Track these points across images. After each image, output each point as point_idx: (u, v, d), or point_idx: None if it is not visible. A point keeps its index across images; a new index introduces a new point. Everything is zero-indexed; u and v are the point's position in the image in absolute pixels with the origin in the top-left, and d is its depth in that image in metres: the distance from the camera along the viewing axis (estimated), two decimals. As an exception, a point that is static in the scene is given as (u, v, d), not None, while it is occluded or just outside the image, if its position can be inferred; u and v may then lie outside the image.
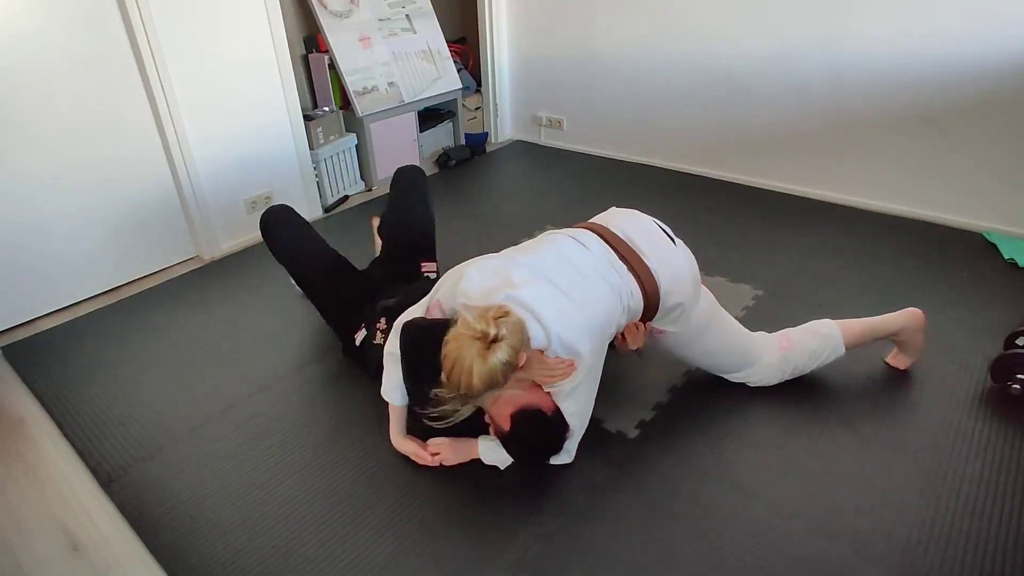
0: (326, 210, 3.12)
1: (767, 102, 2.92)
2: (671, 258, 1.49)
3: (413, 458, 1.56)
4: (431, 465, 1.54)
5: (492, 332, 1.19)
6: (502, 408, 1.35)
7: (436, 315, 1.42)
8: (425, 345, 1.32)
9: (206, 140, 2.57)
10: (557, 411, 1.38)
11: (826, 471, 1.48)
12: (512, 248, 1.52)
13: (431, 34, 3.54)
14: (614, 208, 1.64)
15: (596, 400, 1.45)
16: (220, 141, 2.63)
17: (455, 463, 1.54)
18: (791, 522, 1.36)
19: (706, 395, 1.75)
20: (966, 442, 1.54)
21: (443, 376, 1.25)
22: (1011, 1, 2.22)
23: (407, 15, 3.44)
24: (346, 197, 3.26)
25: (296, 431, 1.70)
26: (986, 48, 2.32)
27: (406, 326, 1.44)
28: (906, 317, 1.70)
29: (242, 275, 2.55)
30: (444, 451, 1.54)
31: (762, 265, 2.38)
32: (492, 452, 1.51)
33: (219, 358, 2.03)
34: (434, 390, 1.28)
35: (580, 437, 1.48)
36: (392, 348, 1.48)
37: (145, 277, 2.59)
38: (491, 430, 1.46)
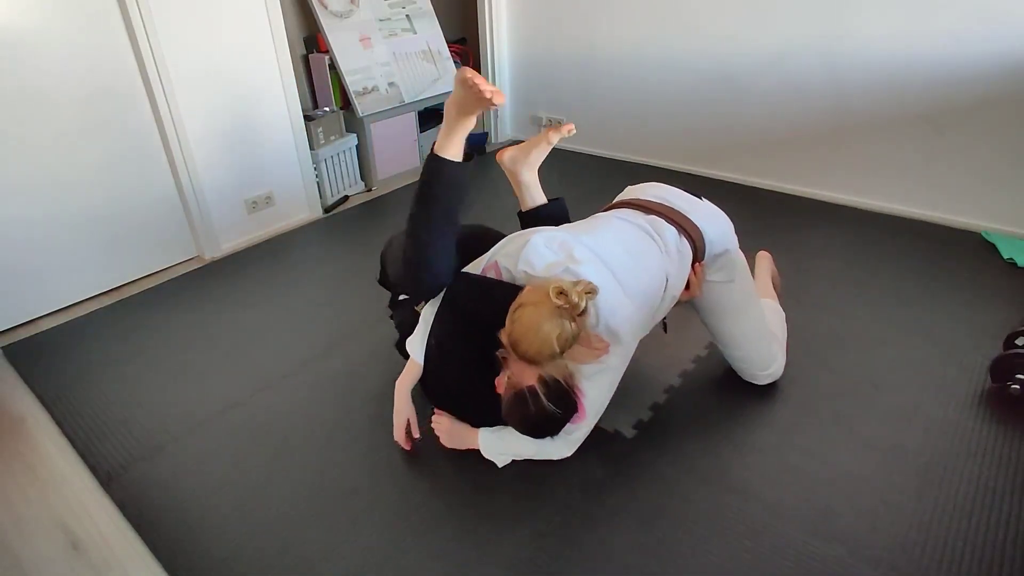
0: (326, 210, 3.13)
1: (766, 102, 2.92)
2: (704, 207, 1.60)
3: (394, 427, 1.59)
4: (404, 447, 1.58)
5: (581, 306, 1.20)
6: (524, 371, 1.29)
7: (491, 275, 1.43)
8: (485, 302, 1.37)
9: (206, 140, 2.58)
10: (574, 391, 1.35)
11: (823, 472, 1.49)
12: (573, 224, 1.55)
13: (431, 34, 3.54)
14: (629, 187, 1.69)
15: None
16: (220, 141, 2.63)
17: (449, 447, 1.56)
18: (788, 523, 1.36)
19: (704, 396, 1.75)
20: (965, 442, 1.54)
21: (506, 337, 1.24)
22: (1010, 1, 2.22)
23: (407, 15, 3.44)
24: (346, 197, 3.27)
25: (296, 430, 1.70)
26: (985, 48, 2.32)
27: (464, 275, 1.46)
28: (766, 261, 2.04)
29: (242, 275, 2.56)
30: (442, 429, 1.56)
31: (761, 265, 2.38)
32: (493, 446, 1.51)
33: (219, 357, 2.03)
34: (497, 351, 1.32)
35: (588, 431, 1.47)
36: (428, 312, 1.50)
37: (146, 277, 2.59)
38: (502, 390, 1.36)
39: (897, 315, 2.04)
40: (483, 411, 1.50)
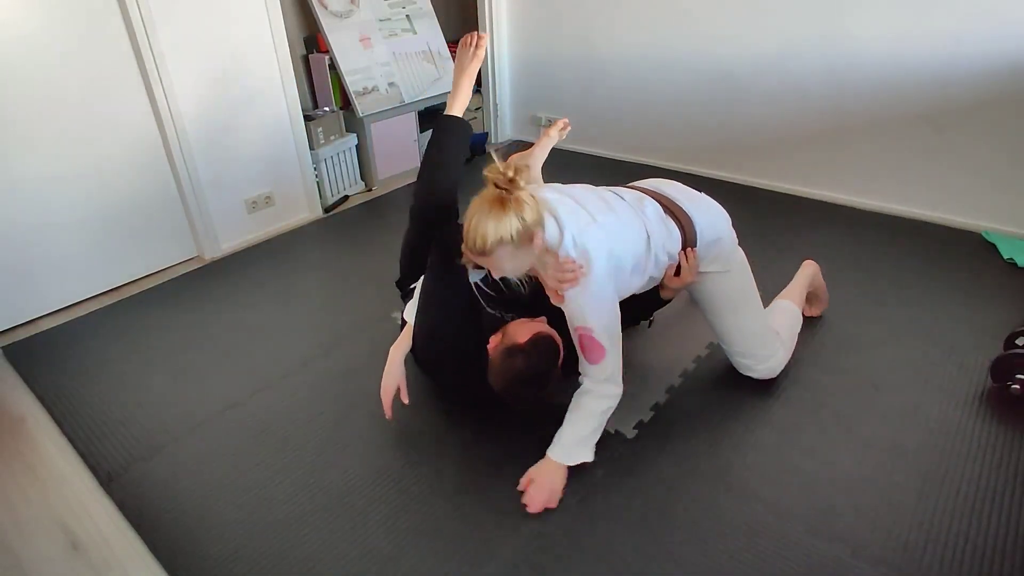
0: (326, 210, 3.12)
1: (766, 102, 2.92)
2: (699, 197, 1.63)
3: (382, 389, 1.61)
4: (386, 412, 1.62)
5: (510, 173, 1.25)
6: (519, 329, 1.45)
7: None
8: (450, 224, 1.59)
9: (206, 140, 2.58)
10: (558, 348, 1.45)
11: (824, 472, 1.49)
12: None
13: (431, 34, 3.54)
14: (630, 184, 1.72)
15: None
16: (220, 141, 2.63)
17: (540, 505, 1.42)
18: (789, 523, 1.36)
19: (704, 396, 1.75)
20: (965, 442, 1.54)
21: (464, 235, 1.31)
22: (1010, 1, 2.22)
23: (407, 15, 3.44)
24: (346, 197, 3.27)
25: (296, 430, 1.70)
26: (984, 48, 2.32)
27: (457, 224, 1.54)
28: (810, 269, 1.98)
29: (242, 274, 2.56)
30: (530, 490, 1.44)
31: (761, 265, 2.35)
32: (566, 453, 1.46)
33: (219, 357, 2.03)
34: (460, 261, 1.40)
35: (615, 359, 1.43)
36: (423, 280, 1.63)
37: (146, 277, 2.59)
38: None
39: (897, 315, 2.04)
40: (467, 367, 1.54)
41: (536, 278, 1.47)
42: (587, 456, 1.47)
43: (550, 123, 1.97)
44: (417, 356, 1.70)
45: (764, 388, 1.75)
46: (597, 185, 1.61)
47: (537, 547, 1.34)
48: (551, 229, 1.35)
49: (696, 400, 1.74)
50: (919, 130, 2.56)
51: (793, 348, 1.82)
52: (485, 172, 1.27)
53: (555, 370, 1.46)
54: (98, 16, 2.21)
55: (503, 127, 4.05)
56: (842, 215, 2.75)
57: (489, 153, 1.41)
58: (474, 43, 1.78)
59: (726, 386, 1.77)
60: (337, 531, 1.40)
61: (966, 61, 2.37)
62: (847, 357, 1.87)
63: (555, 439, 1.48)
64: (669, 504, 1.43)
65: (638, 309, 1.81)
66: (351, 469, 1.56)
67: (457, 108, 1.79)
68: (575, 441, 1.46)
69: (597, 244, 1.36)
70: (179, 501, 1.50)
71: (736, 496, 1.43)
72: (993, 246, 2.41)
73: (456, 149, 1.79)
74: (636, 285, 1.53)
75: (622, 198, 1.53)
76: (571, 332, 1.43)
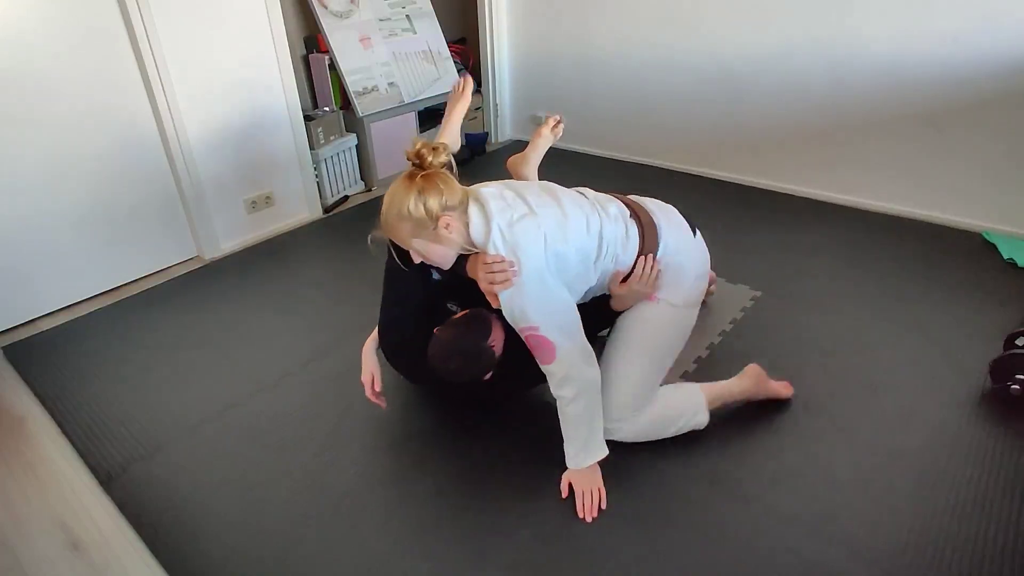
0: (326, 210, 3.13)
1: (766, 102, 2.92)
2: (679, 222, 1.56)
3: (364, 385, 1.63)
4: (369, 396, 1.63)
5: (419, 146, 1.26)
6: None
7: None
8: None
9: (206, 140, 2.58)
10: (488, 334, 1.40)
11: (822, 475, 1.48)
12: None
13: (431, 34, 3.54)
14: None
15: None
16: (220, 141, 2.63)
17: (594, 508, 1.42)
18: (787, 526, 1.36)
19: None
20: (964, 444, 1.54)
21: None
22: (1011, 1, 2.22)
23: (407, 15, 3.44)
24: (346, 197, 3.27)
25: (296, 430, 1.70)
26: (985, 48, 2.31)
27: None
28: (748, 380, 1.65)
29: (242, 275, 2.56)
30: (579, 499, 1.43)
31: (761, 265, 2.38)
32: (578, 460, 1.43)
33: (219, 358, 2.03)
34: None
35: (569, 353, 1.34)
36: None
37: (145, 277, 2.59)
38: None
39: (897, 315, 2.04)
40: (422, 359, 1.51)
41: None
42: (600, 453, 1.44)
43: (543, 121, 1.87)
44: (383, 349, 1.70)
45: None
46: (597, 187, 1.61)
47: (536, 549, 1.34)
48: (477, 221, 1.31)
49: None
50: (920, 130, 2.56)
51: (661, 430, 1.55)
52: (406, 151, 1.30)
53: (487, 349, 1.40)
54: (98, 16, 2.21)
55: (503, 127, 4.05)
56: (842, 215, 2.75)
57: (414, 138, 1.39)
58: (460, 87, 1.87)
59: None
60: (336, 532, 1.40)
61: (966, 61, 2.36)
62: (846, 358, 1.86)
63: (566, 452, 1.45)
64: (667, 505, 1.43)
65: (592, 322, 1.57)
66: (350, 470, 1.57)
67: (444, 139, 1.84)
68: (578, 449, 1.43)
69: (530, 237, 1.29)
70: (179, 501, 1.50)
71: (734, 499, 1.43)
72: (993, 246, 2.40)
73: None
74: (592, 281, 1.45)
75: (584, 195, 1.49)
76: (520, 334, 1.36)
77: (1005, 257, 2.32)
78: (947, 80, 2.43)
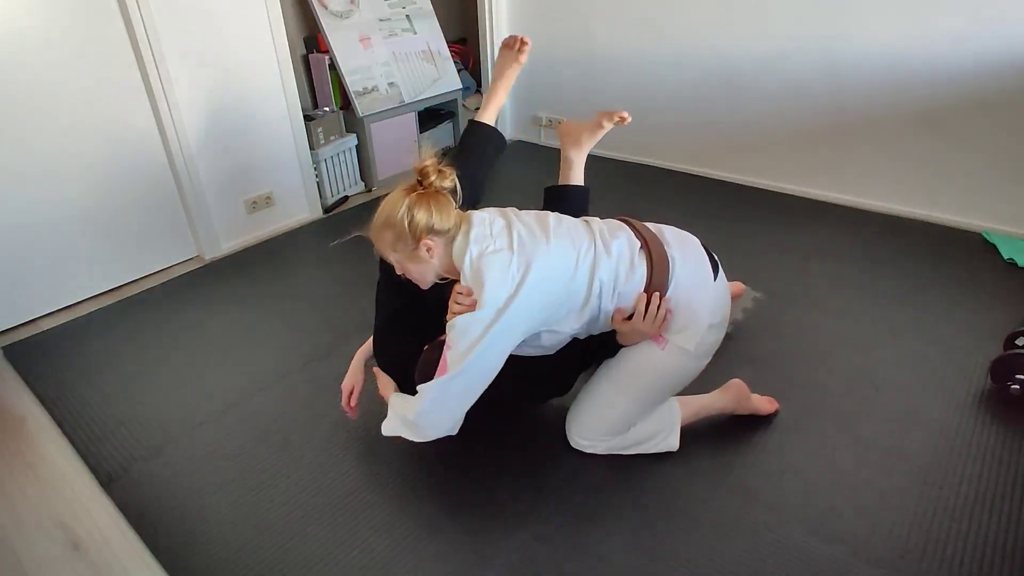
0: (326, 210, 3.12)
1: (767, 102, 2.92)
2: (699, 261, 1.39)
3: (343, 385, 1.63)
4: (344, 406, 1.62)
5: (426, 164, 1.26)
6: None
7: None
8: None
9: (206, 140, 2.58)
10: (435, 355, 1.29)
11: (824, 473, 1.49)
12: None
13: (431, 34, 3.54)
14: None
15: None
16: (220, 141, 2.63)
17: (380, 392, 1.51)
18: (790, 524, 1.36)
19: (705, 395, 1.75)
20: (965, 443, 1.54)
21: None
22: (1011, 1, 2.22)
23: (407, 15, 3.44)
24: (346, 198, 3.27)
25: (297, 430, 1.70)
26: (985, 48, 2.32)
27: None
28: (728, 394, 1.60)
29: (242, 275, 2.56)
30: (379, 380, 1.54)
31: (761, 266, 2.38)
32: (393, 409, 1.40)
33: (220, 357, 2.03)
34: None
35: (437, 395, 1.25)
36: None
37: (146, 277, 2.59)
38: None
39: (897, 315, 2.04)
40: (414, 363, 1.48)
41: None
42: (389, 428, 1.39)
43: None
44: (377, 362, 1.66)
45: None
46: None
47: (538, 548, 1.34)
48: (458, 249, 1.26)
49: (696, 400, 1.74)
50: (919, 130, 2.56)
51: (626, 444, 1.53)
52: (415, 164, 1.29)
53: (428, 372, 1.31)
54: (98, 16, 2.21)
55: (504, 127, 4.05)
56: (842, 215, 2.75)
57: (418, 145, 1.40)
58: (517, 46, 1.76)
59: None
60: (337, 532, 1.40)
61: (966, 61, 2.37)
62: (847, 357, 1.87)
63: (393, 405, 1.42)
64: (669, 504, 1.43)
65: (591, 352, 1.56)
66: (351, 470, 1.57)
67: (488, 115, 1.79)
68: (394, 417, 1.39)
69: (495, 273, 1.20)
70: (180, 501, 1.50)
71: (736, 497, 1.43)
72: (993, 246, 2.41)
73: (478, 153, 1.76)
74: (583, 321, 1.34)
75: (589, 226, 1.37)
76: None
77: (1005, 257, 2.32)
78: (947, 79, 2.43)
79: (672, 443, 1.52)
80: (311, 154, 2.99)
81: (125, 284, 2.54)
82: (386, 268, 1.50)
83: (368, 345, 1.67)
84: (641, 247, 1.34)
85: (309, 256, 2.71)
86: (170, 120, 2.43)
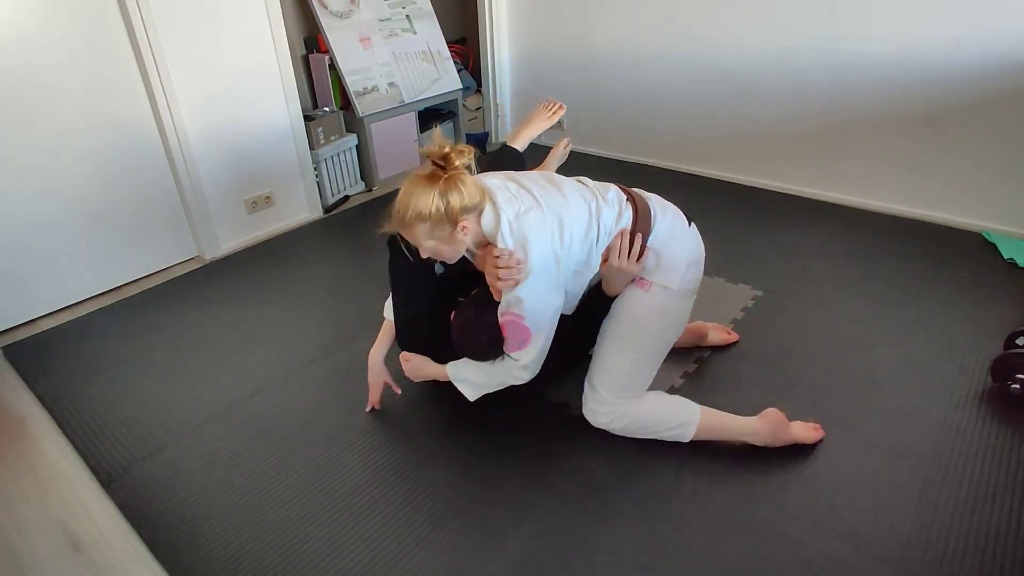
0: (326, 210, 3.12)
1: (767, 102, 2.92)
2: (676, 214, 1.54)
3: (370, 391, 1.73)
4: (373, 403, 1.73)
5: (446, 149, 1.27)
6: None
7: None
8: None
9: (206, 140, 2.58)
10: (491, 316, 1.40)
11: (826, 471, 1.49)
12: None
13: (431, 34, 3.54)
14: None
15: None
16: (220, 141, 2.63)
17: (412, 378, 1.68)
18: (792, 522, 1.36)
19: (706, 394, 1.75)
20: (966, 442, 1.55)
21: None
22: (1011, 1, 2.22)
23: (407, 15, 3.44)
24: (347, 197, 3.27)
25: (298, 430, 1.70)
26: (985, 48, 2.32)
27: None
28: (763, 423, 1.54)
29: (243, 274, 2.55)
30: (409, 367, 1.66)
31: (761, 265, 2.38)
32: (456, 372, 1.56)
33: (220, 357, 2.03)
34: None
35: (538, 349, 1.40)
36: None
37: (146, 277, 2.59)
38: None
39: (897, 315, 2.04)
40: (448, 350, 1.57)
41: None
42: (467, 392, 1.56)
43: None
44: (404, 348, 1.70)
45: (765, 388, 1.75)
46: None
47: (540, 546, 1.34)
48: (488, 216, 1.33)
49: (697, 400, 1.73)
50: (919, 130, 2.56)
51: (638, 427, 1.54)
52: (422, 150, 1.30)
53: (490, 336, 1.43)
54: (98, 16, 2.21)
55: (503, 127, 4.05)
56: (842, 215, 2.75)
57: (438, 129, 1.41)
58: (553, 110, 2.08)
59: (727, 386, 1.77)
60: (340, 531, 1.40)
61: (967, 61, 2.37)
62: (847, 357, 1.87)
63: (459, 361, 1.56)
64: (671, 501, 1.43)
65: (590, 312, 1.61)
66: (353, 469, 1.56)
67: (519, 143, 2.03)
68: (464, 374, 1.55)
69: (537, 230, 1.31)
70: (180, 501, 1.50)
71: (738, 495, 1.43)
72: (993, 246, 2.41)
73: (501, 166, 1.84)
74: (595, 268, 1.46)
75: (584, 184, 1.49)
76: (499, 315, 1.39)
77: (1005, 257, 2.32)
78: (947, 80, 2.43)
79: (686, 433, 1.53)
80: (311, 154, 2.99)
81: (125, 284, 2.53)
82: (405, 251, 1.50)
83: (381, 342, 1.71)
84: (628, 199, 1.48)
85: (309, 256, 2.71)
86: (170, 120, 2.43)
